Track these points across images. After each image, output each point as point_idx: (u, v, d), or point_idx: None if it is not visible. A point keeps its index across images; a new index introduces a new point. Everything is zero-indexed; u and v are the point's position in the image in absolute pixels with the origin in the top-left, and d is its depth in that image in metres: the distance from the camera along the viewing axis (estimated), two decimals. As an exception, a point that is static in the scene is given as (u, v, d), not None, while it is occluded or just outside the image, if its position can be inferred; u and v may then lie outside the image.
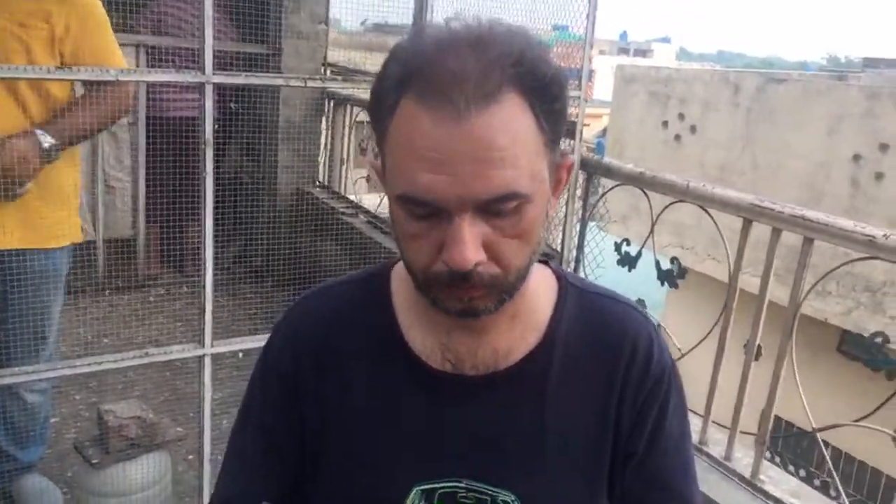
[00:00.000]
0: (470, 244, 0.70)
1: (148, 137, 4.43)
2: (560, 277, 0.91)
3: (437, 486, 0.83)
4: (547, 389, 0.85)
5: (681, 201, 2.37)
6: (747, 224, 2.16)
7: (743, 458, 2.24)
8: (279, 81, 2.18)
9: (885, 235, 1.80)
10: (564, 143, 2.79)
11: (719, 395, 2.26)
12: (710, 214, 2.30)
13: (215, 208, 2.08)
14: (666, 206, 2.46)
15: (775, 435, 2.16)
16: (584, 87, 2.63)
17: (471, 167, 0.68)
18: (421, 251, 0.74)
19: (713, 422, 2.33)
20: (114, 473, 2.47)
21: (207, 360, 2.28)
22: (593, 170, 2.71)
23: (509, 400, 0.84)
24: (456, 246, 0.70)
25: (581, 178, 2.76)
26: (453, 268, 0.71)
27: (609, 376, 0.86)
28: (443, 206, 0.70)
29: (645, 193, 2.51)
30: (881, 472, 6.45)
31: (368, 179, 5.22)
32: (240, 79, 2.04)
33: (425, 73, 0.69)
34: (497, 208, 0.70)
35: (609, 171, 2.66)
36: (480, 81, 0.67)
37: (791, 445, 6.19)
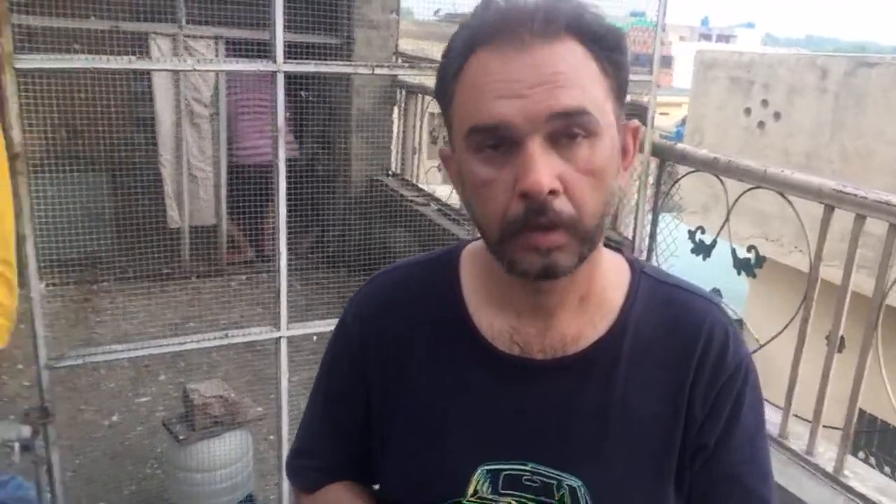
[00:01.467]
0: (543, 167, 0.69)
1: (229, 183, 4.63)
2: (633, 266, 0.89)
3: (502, 467, 0.83)
4: (615, 377, 0.84)
5: (758, 187, 2.30)
6: (829, 211, 2.08)
7: (825, 453, 2.16)
8: (347, 69, 2.22)
9: (980, 221, 1.70)
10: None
11: (805, 389, 2.18)
12: (789, 202, 2.22)
13: (291, 196, 2.14)
14: (743, 193, 2.39)
15: (862, 430, 2.07)
16: (655, 72, 2.59)
17: (538, 88, 0.70)
18: (495, 197, 0.73)
19: (795, 415, 2.26)
20: (199, 449, 2.60)
21: (283, 343, 2.36)
22: (666, 156, 2.66)
23: (576, 386, 0.84)
24: (529, 171, 0.69)
25: (653, 164, 2.71)
26: (529, 192, 0.69)
27: (681, 368, 0.84)
28: (514, 129, 0.70)
29: (720, 180, 2.44)
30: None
31: (440, 169, 5.26)
32: (309, 67, 2.09)
33: (493, 25, 0.72)
34: (567, 129, 0.70)
35: (683, 158, 2.60)
36: (544, 23, 0.71)
37: (888, 445, 5.90)
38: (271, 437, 3.12)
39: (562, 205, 0.71)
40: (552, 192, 0.70)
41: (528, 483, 0.82)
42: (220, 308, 4.28)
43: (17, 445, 2.12)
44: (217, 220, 4.93)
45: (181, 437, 2.56)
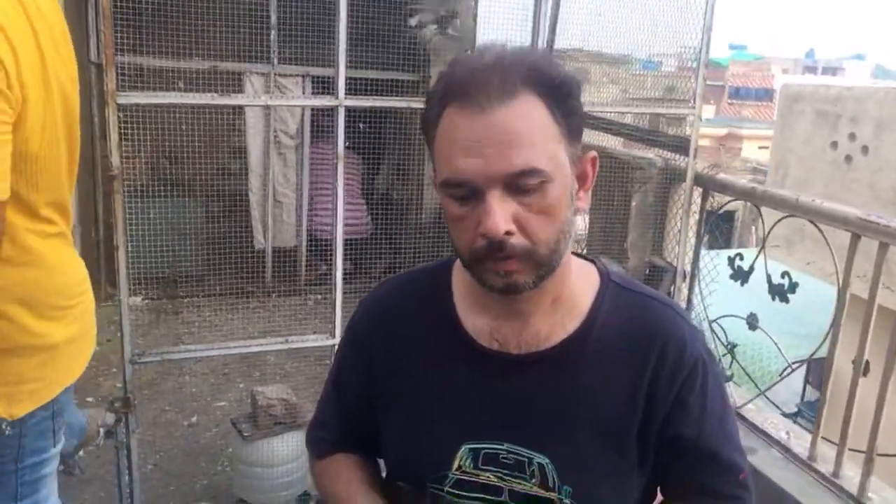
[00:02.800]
0: (499, 215, 0.83)
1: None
2: (603, 274, 1.04)
3: (482, 446, 0.98)
4: (582, 370, 0.98)
5: (791, 216, 2.36)
6: (855, 238, 2.13)
7: (854, 477, 2.18)
8: (402, 104, 2.44)
9: None
10: (680, 159, 2.85)
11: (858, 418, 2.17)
12: (819, 229, 2.28)
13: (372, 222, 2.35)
14: (777, 221, 2.45)
15: (886, 454, 2.07)
16: (698, 105, 2.69)
17: (495, 149, 0.82)
18: (464, 231, 0.88)
19: (824, 438, 2.28)
20: (261, 446, 2.84)
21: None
22: (708, 185, 2.75)
23: (547, 376, 0.98)
24: (488, 217, 0.84)
25: (696, 193, 2.80)
26: (487, 235, 0.84)
27: (641, 363, 0.97)
28: (475, 184, 0.84)
29: (757, 209, 2.52)
30: None
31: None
32: (367, 101, 2.32)
33: (459, 85, 0.85)
34: (521, 184, 0.83)
35: (723, 187, 2.68)
36: (500, 84, 0.83)
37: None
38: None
39: (516, 240, 0.86)
40: (508, 233, 0.86)
41: (504, 460, 0.97)
42: (296, 324, 4.58)
43: (101, 431, 2.43)
44: (297, 241, 5.28)
45: (246, 434, 2.81)
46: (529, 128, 0.84)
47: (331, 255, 4.84)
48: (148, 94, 2.43)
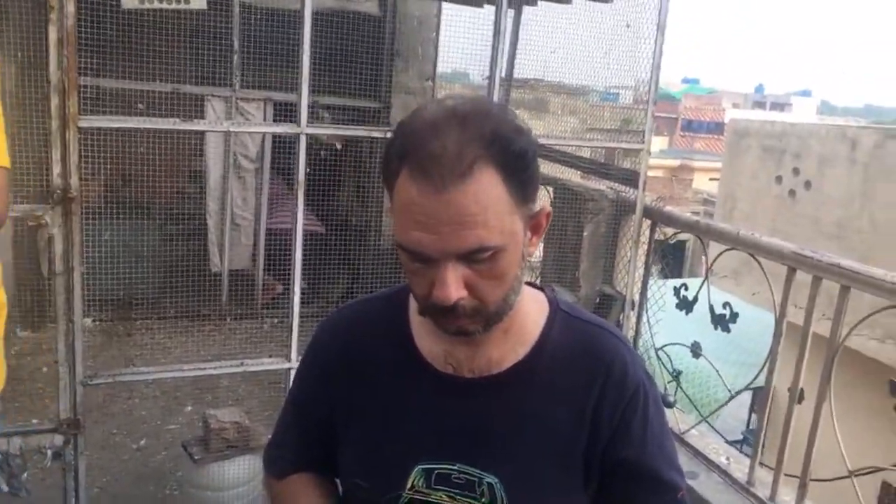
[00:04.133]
0: (452, 285, 0.87)
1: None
2: (552, 303, 1.09)
3: (435, 466, 1.02)
4: (530, 393, 1.03)
5: (733, 248, 2.48)
6: (791, 272, 2.25)
7: (790, 501, 2.27)
8: (361, 133, 2.50)
9: (912, 284, 1.86)
10: (631, 192, 2.96)
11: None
12: (758, 262, 2.40)
13: (325, 245, 2.39)
14: (720, 254, 2.57)
15: (818, 479, 2.16)
16: (647, 141, 2.81)
17: (448, 228, 0.85)
18: (420, 285, 0.92)
19: (761, 463, 2.38)
20: (212, 469, 2.83)
21: (292, 374, 2.60)
22: (655, 217, 2.86)
23: (498, 399, 1.03)
24: (441, 286, 0.88)
25: (645, 225, 2.91)
26: (439, 304, 0.89)
27: (587, 387, 1.03)
28: (429, 255, 0.87)
29: (701, 241, 2.63)
30: None
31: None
32: (329, 130, 2.38)
33: (416, 152, 0.86)
34: (473, 258, 0.87)
35: (669, 220, 2.80)
36: (455, 162, 0.84)
37: None
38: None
39: (467, 303, 0.91)
40: (459, 298, 0.91)
41: (455, 480, 1.01)
42: (251, 347, 4.56)
43: (49, 453, 2.41)
44: (253, 262, 5.27)
45: (197, 458, 2.80)
46: (484, 207, 0.86)
47: (287, 275, 4.85)
48: (110, 118, 2.45)
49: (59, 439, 2.38)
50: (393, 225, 0.94)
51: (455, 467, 1.01)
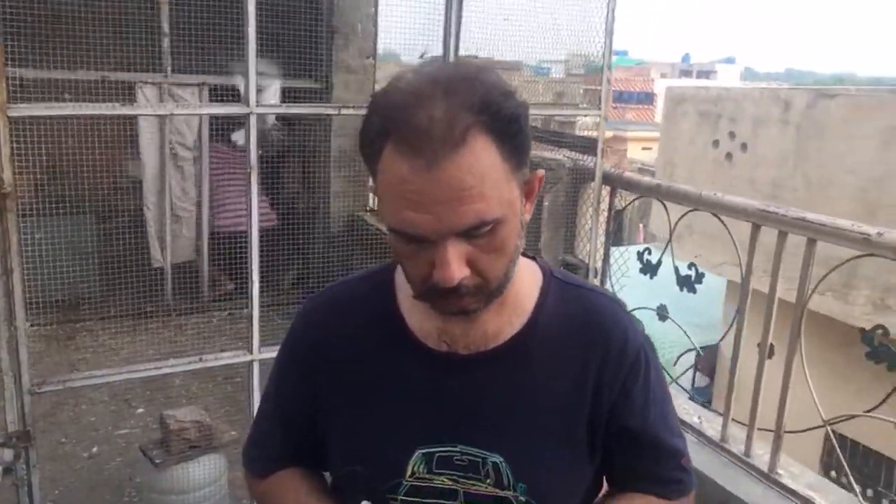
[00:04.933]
0: (454, 264, 0.82)
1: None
2: (545, 271, 1.05)
3: (436, 450, 0.97)
4: (529, 366, 0.98)
5: (695, 210, 2.48)
6: (756, 228, 2.26)
7: (764, 455, 2.30)
8: (313, 110, 2.39)
9: (878, 233, 1.88)
10: (588, 160, 2.94)
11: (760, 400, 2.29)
12: (722, 221, 2.40)
13: (274, 234, 2.29)
14: (683, 215, 2.57)
15: (791, 431, 2.19)
16: (603, 108, 2.78)
17: (444, 206, 0.79)
18: (416, 268, 0.87)
19: (734, 420, 2.40)
20: (175, 473, 2.71)
21: (255, 366, 2.50)
22: (615, 183, 2.84)
23: (496, 375, 0.98)
24: (443, 267, 0.82)
25: (605, 192, 2.89)
26: (442, 286, 0.83)
27: (586, 355, 0.99)
28: (426, 237, 0.82)
29: (663, 204, 2.63)
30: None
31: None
32: (280, 109, 2.27)
33: (400, 127, 0.79)
34: (473, 233, 0.82)
35: (629, 185, 2.79)
36: (446, 133, 0.77)
37: (857, 465, 6.02)
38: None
39: (469, 280, 0.85)
40: (462, 278, 0.84)
41: (458, 462, 0.96)
42: (202, 343, 4.40)
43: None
44: (197, 255, 5.08)
45: (157, 461, 2.67)
46: (480, 178, 0.80)
47: (236, 270, 4.69)
48: (46, 105, 2.28)
49: (8, 454, 2.22)
50: (380, 207, 0.87)
51: (457, 449, 0.96)
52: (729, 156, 7.56)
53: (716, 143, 7.70)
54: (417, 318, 0.99)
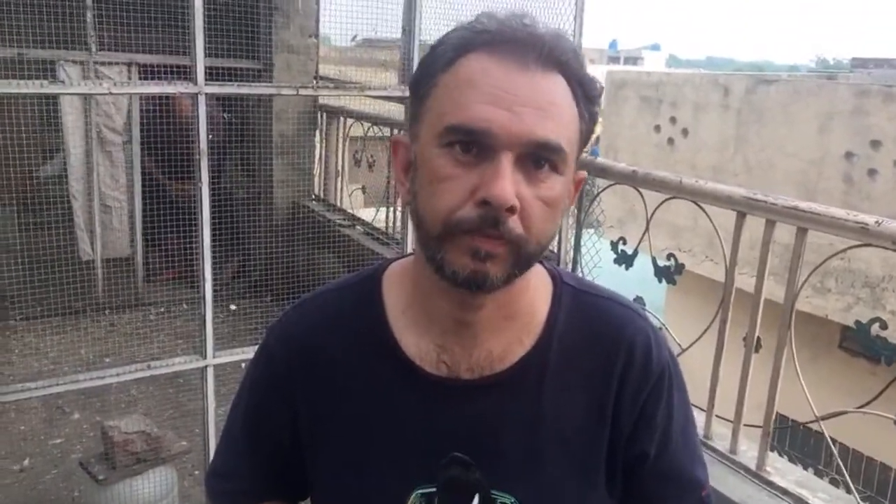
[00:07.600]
0: (510, 182, 0.70)
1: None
2: (555, 277, 0.90)
3: (435, 490, 0.82)
4: (542, 391, 0.84)
5: (674, 198, 2.39)
6: (741, 218, 2.18)
7: (748, 451, 2.24)
8: (271, 90, 2.19)
9: (877, 222, 1.82)
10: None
11: (723, 392, 2.26)
12: (703, 210, 2.32)
13: (212, 224, 2.09)
14: (661, 203, 2.47)
15: (780, 426, 2.15)
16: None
17: (531, 110, 0.71)
18: (451, 193, 0.72)
19: (717, 416, 2.34)
20: (120, 490, 2.48)
21: (210, 371, 2.29)
22: (587, 170, 2.73)
23: (505, 403, 0.83)
24: (498, 181, 0.70)
25: (575, 179, 2.78)
26: (492, 201, 0.70)
27: (605, 375, 0.85)
28: (493, 138, 0.70)
29: (639, 192, 2.53)
30: (890, 468, 6.41)
31: (364, 191, 5.24)
32: (231, 88, 2.06)
33: (500, 32, 0.74)
34: (540, 158, 0.72)
35: (603, 171, 2.68)
36: (549, 53, 0.73)
37: (798, 444, 6.18)
38: (196, 472, 3.00)
39: (514, 224, 0.71)
40: (510, 209, 0.70)
41: None
42: (138, 341, 4.12)
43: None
44: (132, 250, 4.76)
45: (101, 478, 2.43)
46: (565, 109, 0.74)
47: (172, 260, 4.39)
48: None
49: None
50: (428, 117, 0.75)
51: None
52: (671, 140, 7.61)
53: (657, 128, 7.74)
54: (411, 334, 0.84)
